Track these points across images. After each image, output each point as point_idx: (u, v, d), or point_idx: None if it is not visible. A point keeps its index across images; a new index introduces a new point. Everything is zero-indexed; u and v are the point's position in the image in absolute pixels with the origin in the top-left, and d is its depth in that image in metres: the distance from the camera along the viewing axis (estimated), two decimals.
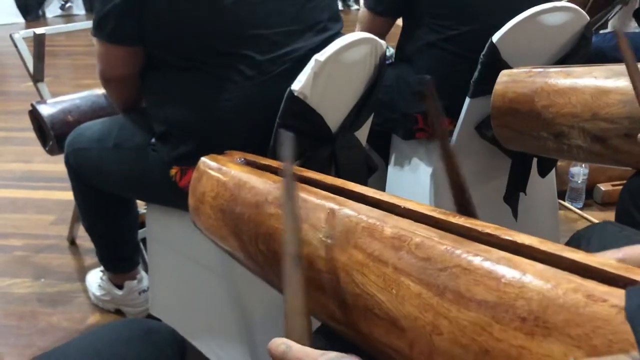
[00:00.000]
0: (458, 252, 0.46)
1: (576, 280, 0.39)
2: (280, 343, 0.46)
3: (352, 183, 0.67)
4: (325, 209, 0.60)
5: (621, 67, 1.05)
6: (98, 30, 1.05)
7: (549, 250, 0.44)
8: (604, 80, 1.04)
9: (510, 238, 0.47)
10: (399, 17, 1.46)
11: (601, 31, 2.08)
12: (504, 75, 1.22)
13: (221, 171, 0.81)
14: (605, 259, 0.42)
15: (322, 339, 0.67)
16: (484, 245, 0.47)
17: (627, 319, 0.34)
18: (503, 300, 0.41)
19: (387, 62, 1.43)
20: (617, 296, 0.37)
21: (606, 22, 2.08)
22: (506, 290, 0.41)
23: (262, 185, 0.71)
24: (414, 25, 1.40)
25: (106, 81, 1.15)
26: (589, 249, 0.72)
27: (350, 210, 0.58)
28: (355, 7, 6.94)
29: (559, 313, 0.38)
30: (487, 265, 0.44)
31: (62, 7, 6.93)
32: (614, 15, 1.99)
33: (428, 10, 1.35)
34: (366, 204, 0.59)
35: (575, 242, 0.78)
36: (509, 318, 0.40)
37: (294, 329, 0.48)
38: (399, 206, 0.56)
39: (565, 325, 0.37)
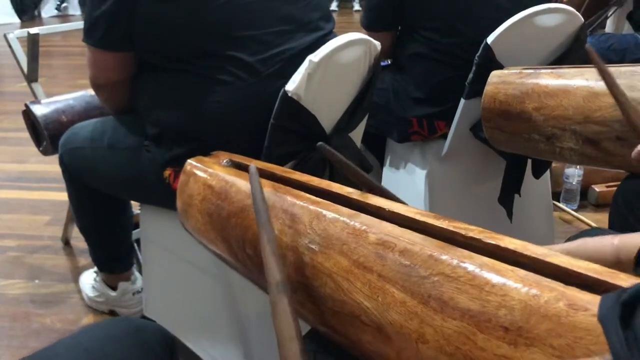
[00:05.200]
0: (442, 258, 0.46)
1: (558, 288, 0.39)
2: None
3: (337, 185, 0.66)
4: (310, 213, 0.60)
5: (612, 69, 1.04)
6: (88, 36, 1.05)
7: (533, 255, 0.44)
8: (596, 82, 1.04)
9: (493, 242, 0.47)
10: (392, 30, 1.46)
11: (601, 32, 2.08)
12: (494, 77, 1.21)
13: (208, 174, 0.81)
14: (588, 264, 0.42)
15: (312, 344, 0.67)
16: (467, 251, 0.47)
17: (598, 320, 0.34)
18: (486, 308, 0.41)
19: (383, 64, 1.44)
20: (598, 304, 0.37)
21: (601, 24, 2.08)
22: (489, 298, 0.41)
23: (248, 189, 0.71)
24: (405, 36, 1.42)
25: (97, 87, 1.14)
26: None
27: (335, 214, 0.58)
28: (357, 7, 6.93)
29: (542, 323, 0.38)
30: (470, 272, 0.44)
31: (58, 8, 6.93)
32: (609, 17, 1.99)
33: (416, 24, 1.37)
34: (352, 207, 0.59)
35: None
36: (492, 327, 0.40)
37: (288, 356, 0.47)
38: (384, 209, 0.56)
39: (548, 336, 0.37)
